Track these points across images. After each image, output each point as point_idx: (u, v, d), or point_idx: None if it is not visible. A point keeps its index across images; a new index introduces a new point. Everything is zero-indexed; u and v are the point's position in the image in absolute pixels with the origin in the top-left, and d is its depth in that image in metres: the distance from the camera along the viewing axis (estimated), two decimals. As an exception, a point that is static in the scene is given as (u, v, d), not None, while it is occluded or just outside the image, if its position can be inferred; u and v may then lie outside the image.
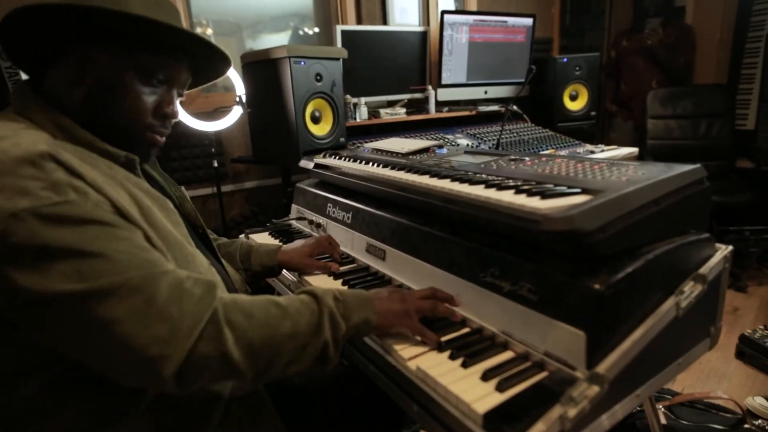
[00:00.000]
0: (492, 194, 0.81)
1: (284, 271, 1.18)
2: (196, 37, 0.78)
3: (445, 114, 2.67)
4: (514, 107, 2.62)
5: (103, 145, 0.72)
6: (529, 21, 2.85)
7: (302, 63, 1.85)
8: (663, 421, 1.48)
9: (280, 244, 1.20)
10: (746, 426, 1.48)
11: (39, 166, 0.59)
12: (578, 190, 0.76)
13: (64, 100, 0.72)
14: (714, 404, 1.59)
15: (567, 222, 0.66)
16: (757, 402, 1.61)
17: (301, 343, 0.68)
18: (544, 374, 0.69)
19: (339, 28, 2.36)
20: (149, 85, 0.76)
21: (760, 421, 1.52)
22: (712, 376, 1.86)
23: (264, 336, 0.65)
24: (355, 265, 1.16)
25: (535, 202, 0.72)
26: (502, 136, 2.29)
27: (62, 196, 0.59)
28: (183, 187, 0.98)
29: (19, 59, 0.77)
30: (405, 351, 0.77)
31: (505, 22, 2.78)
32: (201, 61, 0.85)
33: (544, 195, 0.74)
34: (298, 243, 1.18)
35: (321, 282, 1.07)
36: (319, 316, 0.71)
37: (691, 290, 0.78)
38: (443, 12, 2.56)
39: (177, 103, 0.82)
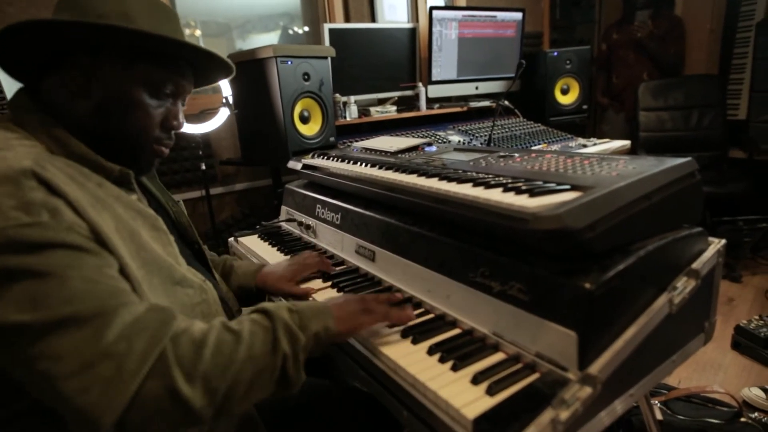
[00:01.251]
0: (480, 193, 0.79)
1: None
2: (205, 51, 0.78)
3: (436, 111, 2.65)
4: (506, 102, 2.60)
5: (97, 158, 0.70)
6: (518, 15, 2.83)
7: (289, 62, 1.83)
8: (659, 416, 1.47)
9: (261, 264, 1.12)
10: (742, 419, 1.47)
11: (17, 183, 0.57)
12: (567, 186, 0.74)
13: (65, 110, 0.71)
14: (710, 398, 1.59)
15: (555, 220, 0.64)
16: (753, 393, 1.61)
17: (259, 365, 0.64)
18: (535, 376, 0.67)
19: (326, 26, 2.33)
20: (157, 98, 0.76)
21: (756, 414, 1.52)
22: (708, 367, 1.86)
23: (217, 366, 0.60)
24: (344, 266, 1.14)
25: (523, 201, 0.71)
26: (494, 132, 2.28)
27: (32, 217, 0.56)
28: (181, 201, 0.96)
29: (12, 68, 0.76)
30: (393, 353, 0.75)
31: (495, 17, 2.76)
32: (205, 70, 0.85)
33: (533, 193, 0.73)
34: (281, 265, 1.09)
35: (312, 285, 1.05)
36: (273, 332, 0.67)
37: (684, 286, 0.76)
38: (432, 8, 2.54)
39: (182, 114, 0.82)
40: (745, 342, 1.91)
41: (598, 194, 0.68)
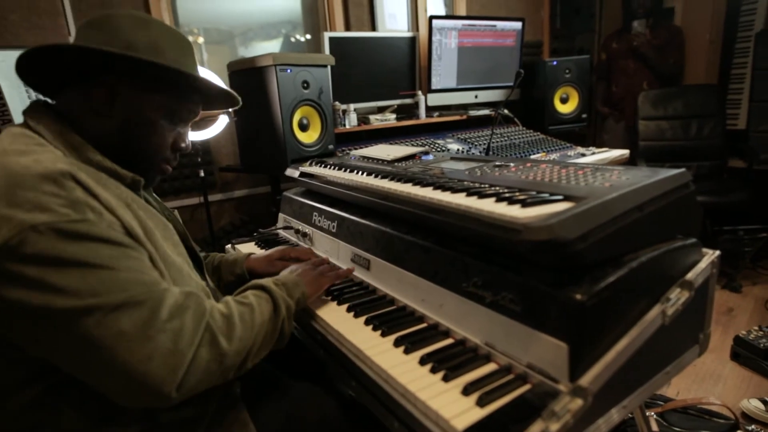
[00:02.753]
0: (473, 203, 0.79)
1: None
2: (222, 90, 0.89)
3: (435, 119, 2.66)
4: (505, 111, 2.61)
5: (113, 166, 0.76)
6: (518, 25, 2.85)
7: (289, 71, 1.84)
8: (655, 428, 1.46)
9: (250, 252, 1.21)
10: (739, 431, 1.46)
11: (60, 183, 0.63)
12: (560, 197, 0.74)
13: (86, 123, 0.76)
14: (707, 410, 1.58)
15: (547, 231, 0.64)
16: (752, 404, 1.59)
17: (267, 329, 0.79)
18: (526, 387, 0.67)
19: (327, 35, 2.35)
20: (172, 123, 0.84)
21: (753, 426, 1.51)
22: (707, 378, 1.85)
23: (245, 329, 0.74)
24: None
25: (515, 211, 0.71)
26: (493, 141, 2.28)
27: (80, 214, 0.62)
28: (176, 211, 0.99)
29: (32, 81, 0.81)
30: (384, 363, 0.75)
31: (494, 26, 2.78)
32: (214, 100, 0.95)
33: (525, 203, 0.73)
34: (269, 250, 1.22)
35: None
36: (274, 302, 0.83)
37: (677, 297, 0.76)
38: (431, 17, 2.56)
39: (188, 136, 0.90)
40: (745, 353, 1.90)
41: (590, 205, 0.68)
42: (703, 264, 0.83)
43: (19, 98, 1.69)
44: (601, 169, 0.91)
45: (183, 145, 0.87)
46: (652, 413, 1.52)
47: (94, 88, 0.76)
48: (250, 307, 0.79)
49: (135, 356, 0.60)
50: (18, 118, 1.69)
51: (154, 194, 0.96)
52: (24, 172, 0.62)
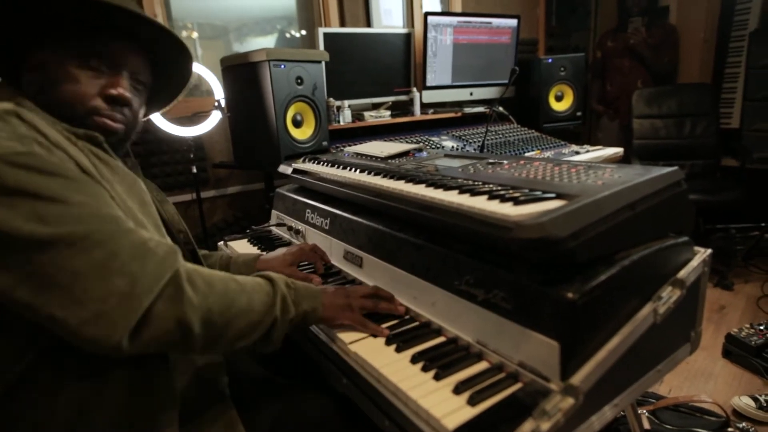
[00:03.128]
0: (465, 200, 0.78)
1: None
2: (116, 6, 0.75)
3: (430, 116, 2.66)
4: (500, 108, 2.61)
5: (63, 123, 0.73)
6: (513, 22, 2.84)
7: (282, 66, 1.83)
8: (647, 425, 1.47)
9: (260, 253, 1.17)
10: (730, 429, 1.47)
11: (4, 119, 0.61)
12: (552, 195, 0.74)
13: (25, 92, 0.75)
14: (698, 407, 1.58)
15: (538, 229, 0.64)
16: (743, 402, 1.60)
17: (253, 319, 0.71)
18: (518, 386, 0.67)
19: (321, 30, 2.34)
20: (89, 69, 0.76)
21: (744, 423, 1.51)
22: (699, 376, 1.86)
23: (222, 305, 0.67)
24: (341, 276, 1.13)
25: (507, 209, 0.70)
26: (488, 138, 2.28)
27: (27, 147, 0.60)
28: (168, 200, 0.97)
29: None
30: (376, 361, 0.74)
31: (490, 23, 2.77)
32: (156, 49, 0.85)
33: (517, 201, 0.72)
34: (279, 251, 1.16)
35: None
36: (273, 297, 0.75)
37: (669, 295, 0.76)
38: (426, 13, 2.55)
39: (125, 85, 0.80)
40: (736, 350, 1.91)
41: (582, 203, 0.68)
42: (695, 262, 0.83)
43: None
44: (593, 167, 0.90)
45: (114, 92, 0.78)
46: (644, 411, 1.53)
47: (25, 67, 0.76)
48: (242, 287, 0.73)
49: (90, 294, 0.57)
50: None
51: (141, 174, 0.92)
52: None
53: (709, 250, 0.85)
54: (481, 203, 0.75)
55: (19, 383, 0.64)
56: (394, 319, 0.88)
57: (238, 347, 0.72)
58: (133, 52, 0.82)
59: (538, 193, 0.75)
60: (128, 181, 0.77)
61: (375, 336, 0.83)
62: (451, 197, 0.82)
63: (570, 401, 0.61)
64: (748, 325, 1.99)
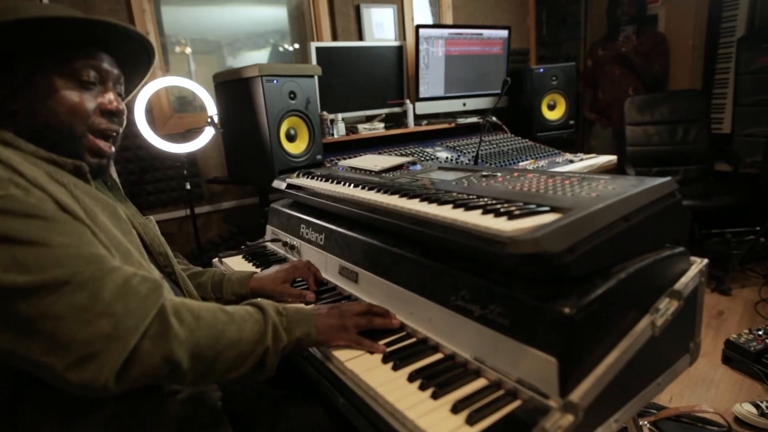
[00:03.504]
0: (459, 215, 0.78)
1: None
2: (92, 20, 0.75)
3: (424, 127, 2.66)
4: (493, 118, 2.62)
5: (48, 154, 0.72)
6: (504, 33, 2.87)
7: (275, 81, 1.83)
8: (649, 436, 1.46)
9: (254, 270, 1.16)
10: (732, 438, 1.46)
11: None
12: (547, 208, 0.73)
13: (6, 122, 0.73)
14: (700, 417, 1.57)
15: (533, 244, 0.63)
16: (744, 409, 1.59)
17: (243, 350, 0.70)
18: (516, 404, 0.66)
19: (313, 45, 2.35)
20: (81, 88, 0.76)
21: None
22: (699, 383, 1.85)
23: (210, 338, 0.66)
24: (336, 291, 1.12)
25: (502, 224, 0.70)
26: (482, 148, 2.28)
27: (3, 189, 0.59)
28: (152, 217, 0.96)
29: None
30: (373, 380, 0.73)
31: (481, 34, 2.79)
32: (125, 52, 0.85)
33: (511, 215, 0.72)
34: (272, 269, 1.15)
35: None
36: (264, 326, 0.74)
37: (666, 307, 0.75)
38: (418, 26, 2.57)
39: (115, 98, 0.81)
40: (736, 356, 1.90)
41: (576, 217, 0.67)
42: (692, 272, 0.82)
43: None
44: (587, 178, 0.90)
45: (109, 106, 0.79)
46: (646, 422, 1.52)
47: (1, 89, 0.74)
48: (231, 317, 0.71)
49: (73, 339, 0.56)
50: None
51: (123, 195, 0.92)
52: None
53: (705, 260, 0.85)
54: (475, 218, 0.75)
55: None
56: (391, 335, 0.87)
57: (230, 378, 0.70)
58: (109, 62, 0.82)
59: (533, 206, 0.75)
60: (110, 209, 0.76)
61: (372, 353, 0.82)
62: (446, 212, 0.81)
63: (570, 418, 0.60)
64: (747, 331, 1.98)
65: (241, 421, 0.85)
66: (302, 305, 0.86)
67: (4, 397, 0.63)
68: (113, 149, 0.83)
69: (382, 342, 0.84)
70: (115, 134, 0.82)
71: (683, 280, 0.80)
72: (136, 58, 0.90)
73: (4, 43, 0.71)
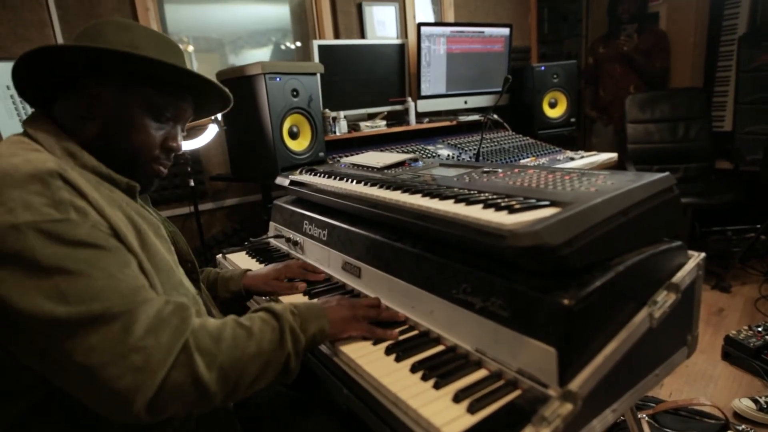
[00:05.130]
0: (460, 209, 0.79)
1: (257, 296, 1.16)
2: (202, 78, 0.83)
3: (425, 125, 2.68)
4: (494, 116, 2.63)
5: (108, 171, 0.76)
6: (505, 31, 2.88)
7: (278, 79, 1.84)
8: (647, 430, 1.47)
9: (247, 269, 1.19)
10: (729, 431, 1.47)
11: (45, 183, 0.62)
12: (546, 202, 0.75)
13: (76, 131, 0.77)
14: (698, 410, 1.59)
15: (533, 237, 0.64)
16: (743, 404, 1.61)
17: (265, 359, 0.71)
18: (516, 393, 0.67)
19: (315, 43, 2.36)
20: (157, 121, 0.82)
21: (743, 426, 1.52)
22: (699, 379, 1.86)
23: (232, 358, 0.67)
24: (332, 283, 1.13)
25: (502, 217, 0.71)
26: (483, 146, 2.30)
27: (63, 214, 0.62)
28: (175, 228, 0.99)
29: (27, 94, 0.81)
30: (376, 371, 0.75)
31: (482, 32, 2.80)
32: (204, 98, 0.91)
33: (512, 209, 0.73)
34: (266, 268, 1.18)
35: (295, 300, 1.05)
36: (280, 332, 0.75)
37: (664, 300, 0.77)
38: (419, 24, 2.58)
39: (181, 137, 0.88)
40: (735, 352, 1.92)
41: (576, 210, 0.69)
42: (689, 266, 0.84)
43: (6, 110, 1.68)
44: (587, 173, 0.92)
45: (174, 144, 0.85)
46: (644, 415, 1.53)
47: (78, 94, 0.77)
48: (249, 331, 0.72)
49: (105, 373, 0.58)
50: (5, 129, 1.68)
51: (151, 204, 0.96)
52: (13, 171, 0.62)
53: (703, 254, 0.86)
54: (476, 212, 0.76)
55: (14, 428, 0.66)
56: (394, 328, 0.88)
57: (258, 389, 0.72)
58: (190, 106, 0.88)
59: (533, 201, 0.76)
60: (154, 228, 0.80)
61: (384, 341, 0.84)
62: (447, 207, 0.83)
63: (568, 407, 0.61)
64: (746, 327, 2.00)
65: (252, 424, 0.86)
66: (314, 301, 0.88)
67: (36, 400, 0.66)
68: (167, 171, 0.88)
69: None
70: (169, 164, 0.88)
71: (681, 273, 0.81)
72: (213, 104, 0.96)
73: (101, 60, 0.75)
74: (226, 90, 0.90)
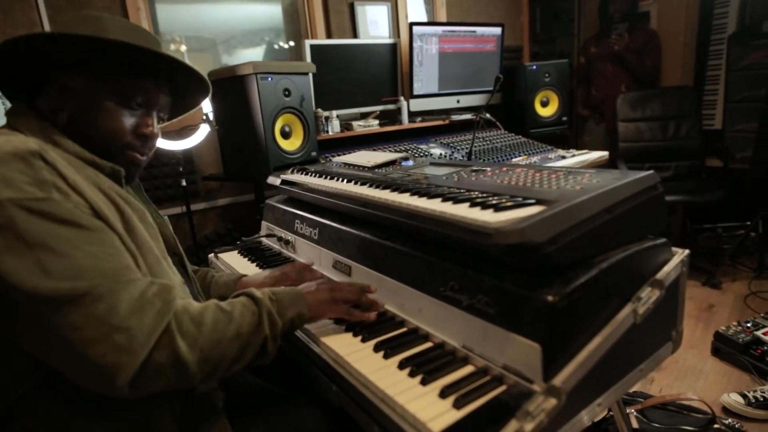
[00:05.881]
0: (447, 208, 0.80)
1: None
2: (170, 58, 0.82)
3: (418, 124, 2.68)
4: (487, 115, 2.64)
5: (91, 156, 0.77)
6: (497, 30, 2.89)
7: (269, 79, 1.84)
8: (635, 424, 1.49)
9: (243, 274, 1.17)
10: (716, 426, 1.49)
11: (28, 162, 0.63)
12: (532, 201, 0.76)
13: (53, 122, 0.78)
14: (686, 405, 1.61)
15: (518, 235, 0.65)
16: (732, 399, 1.63)
17: (243, 342, 0.74)
18: (502, 388, 0.68)
19: (308, 42, 2.36)
20: (127, 108, 0.81)
21: (729, 420, 1.54)
22: (688, 374, 1.88)
23: (212, 341, 0.70)
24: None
25: (487, 216, 0.72)
26: (475, 145, 2.31)
27: (45, 193, 0.62)
28: (165, 217, 0.98)
29: (8, 92, 0.82)
30: (365, 368, 0.76)
31: (474, 32, 2.81)
32: (183, 87, 0.91)
33: (497, 208, 0.74)
34: (261, 274, 1.14)
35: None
36: (259, 317, 0.77)
37: (648, 296, 0.78)
38: (412, 24, 2.59)
39: (155, 124, 0.86)
40: (725, 348, 1.94)
41: (560, 208, 0.70)
42: (674, 263, 0.85)
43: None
44: (573, 172, 0.93)
45: (147, 131, 0.83)
46: (632, 410, 1.55)
47: (49, 87, 0.78)
48: (229, 316, 0.74)
49: (89, 351, 0.60)
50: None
51: (144, 194, 0.96)
52: None
53: (687, 251, 0.88)
54: (462, 211, 0.77)
55: (17, 408, 0.66)
56: (383, 325, 0.89)
57: (236, 370, 0.74)
58: (164, 93, 0.87)
59: (519, 199, 0.77)
60: (139, 213, 0.80)
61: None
62: (435, 205, 0.84)
63: (552, 402, 0.62)
64: (735, 323, 2.02)
65: (240, 419, 0.87)
66: (293, 287, 0.89)
67: (27, 388, 0.66)
68: (146, 158, 0.88)
69: (376, 336, 0.85)
70: (147, 151, 0.87)
71: (665, 269, 0.83)
72: (192, 89, 0.96)
73: (68, 49, 0.75)
74: (199, 72, 0.90)
